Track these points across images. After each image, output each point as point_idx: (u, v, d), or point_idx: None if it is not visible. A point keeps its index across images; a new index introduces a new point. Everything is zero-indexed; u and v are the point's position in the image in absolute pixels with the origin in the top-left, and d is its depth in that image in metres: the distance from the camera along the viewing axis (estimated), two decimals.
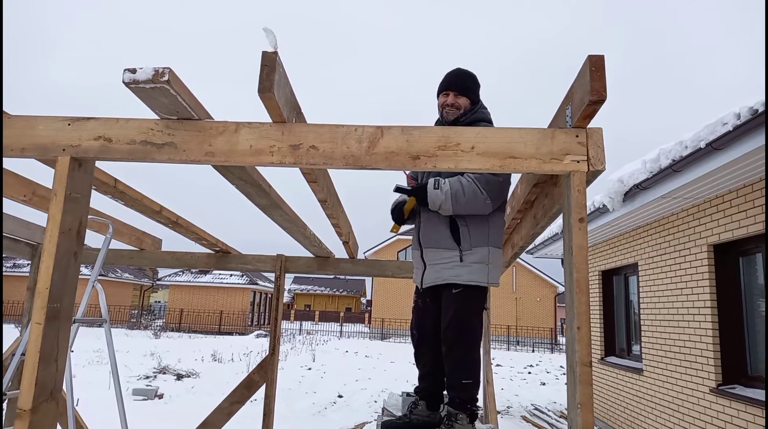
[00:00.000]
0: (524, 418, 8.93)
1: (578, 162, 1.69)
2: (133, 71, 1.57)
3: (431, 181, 2.45)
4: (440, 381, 2.64)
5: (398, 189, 2.59)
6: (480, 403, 2.81)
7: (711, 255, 5.38)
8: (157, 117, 1.81)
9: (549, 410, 9.64)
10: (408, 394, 3.11)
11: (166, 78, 1.55)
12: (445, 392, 2.71)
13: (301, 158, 1.76)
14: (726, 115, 3.88)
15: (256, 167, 2.29)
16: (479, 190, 2.37)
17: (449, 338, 2.46)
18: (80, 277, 1.88)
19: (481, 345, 4.80)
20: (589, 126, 1.72)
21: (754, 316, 5.03)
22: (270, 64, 1.60)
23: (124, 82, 1.56)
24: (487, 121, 2.55)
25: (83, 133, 1.80)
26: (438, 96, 2.64)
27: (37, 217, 4.16)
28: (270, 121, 1.79)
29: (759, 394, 4.63)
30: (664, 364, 6.26)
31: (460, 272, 2.46)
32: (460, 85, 2.58)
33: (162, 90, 1.59)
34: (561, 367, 18.13)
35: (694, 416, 5.52)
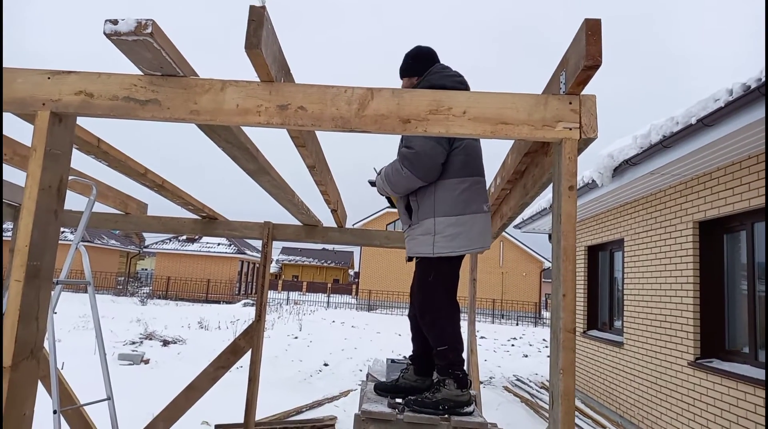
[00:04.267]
0: (506, 388, 9.11)
1: (570, 129, 1.67)
2: (115, 22, 1.50)
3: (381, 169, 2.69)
4: (425, 346, 2.70)
5: (371, 183, 2.87)
6: None
7: (696, 232, 5.44)
8: (140, 73, 1.76)
9: (530, 381, 9.84)
10: (393, 361, 3.14)
11: (149, 30, 1.49)
12: None
13: (288, 119, 1.72)
14: (718, 91, 3.87)
15: (244, 130, 2.24)
16: (399, 166, 2.50)
17: (417, 308, 2.62)
18: (64, 242, 1.85)
19: (468, 315, 4.82)
20: (582, 93, 1.69)
21: (735, 293, 5.12)
22: (257, 19, 1.54)
23: (105, 33, 1.50)
24: (432, 87, 2.40)
25: (63, 88, 1.74)
26: None
27: (17, 176, 4.08)
28: (257, 79, 1.74)
29: (735, 367, 4.75)
30: (645, 338, 6.39)
31: (411, 245, 2.63)
32: (403, 69, 2.74)
33: (145, 43, 1.53)
34: (544, 340, 18.45)
35: (672, 388, 5.66)
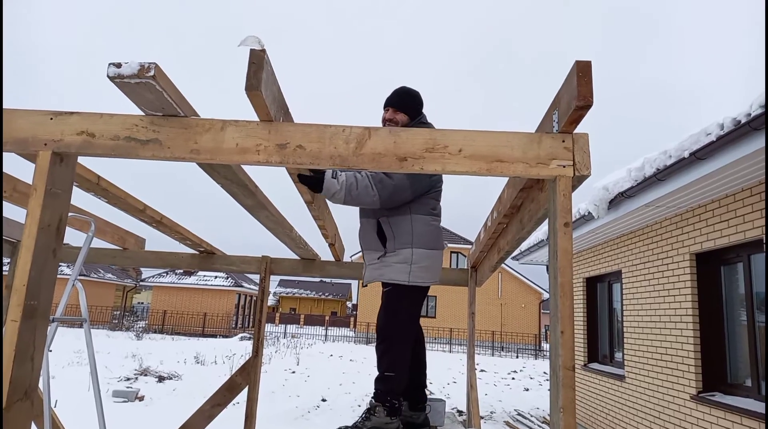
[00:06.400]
0: (507, 423, 8.95)
1: (564, 167, 1.70)
2: (118, 65, 1.54)
3: (329, 171, 2.61)
4: (413, 380, 2.80)
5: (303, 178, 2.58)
6: (463, 408, 2.82)
7: (693, 263, 5.45)
8: (141, 113, 1.79)
9: (532, 416, 9.67)
10: None
11: (152, 73, 1.53)
12: (427, 390, 2.93)
13: (287, 157, 1.75)
14: (709, 125, 3.94)
15: (243, 166, 2.26)
16: (371, 186, 2.53)
17: (378, 331, 2.69)
18: (60, 276, 1.86)
19: (467, 349, 4.78)
20: (575, 131, 1.72)
21: (734, 325, 5.09)
22: (258, 61, 1.58)
23: (108, 76, 1.54)
24: None
25: (65, 128, 1.77)
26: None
27: (16, 213, 4.09)
28: (257, 119, 1.78)
29: (738, 401, 4.69)
30: (646, 371, 6.32)
31: (384, 271, 2.72)
32: (398, 102, 2.82)
33: (147, 85, 1.57)
34: (545, 373, 18.22)
35: (675, 423, 5.57)
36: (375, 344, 2.72)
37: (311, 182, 2.50)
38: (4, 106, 1.82)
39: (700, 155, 4.01)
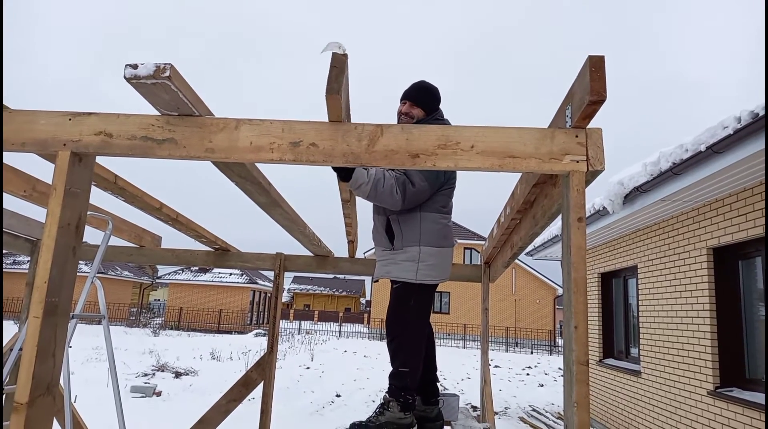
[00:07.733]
0: (522, 419, 8.93)
1: (577, 162, 1.69)
2: (135, 67, 1.57)
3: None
4: (425, 374, 2.82)
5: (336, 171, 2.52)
6: (477, 403, 2.84)
7: (710, 258, 5.38)
8: (157, 113, 1.81)
9: (546, 411, 9.65)
10: None
11: (167, 74, 1.55)
12: (439, 384, 3.00)
13: (300, 155, 1.76)
14: (726, 118, 3.89)
15: (257, 165, 2.29)
16: (396, 188, 2.54)
17: (387, 329, 2.72)
18: (79, 274, 1.89)
19: (480, 345, 4.81)
20: (588, 126, 1.72)
21: (752, 320, 5.03)
22: (339, 65, 1.60)
23: (125, 77, 1.56)
24: None
25: (84, 128, 1.80)
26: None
27: (36, 212, 4.16)
28: (270, 118, 1.80)
29: (756, 397, 4.64)
30: (662, 367, 6.26)
31: (391, 269, 2.75)
32: (415, 96, 2.82)
33: (163, 86, 1.59)
34: (559, 369, 18.12)
35: (692, 418, 5.52)
36: (386, 341, 2.75)
37: (341, 170, 2.47)
38: (22, 108, 1.86)
39: (717, 149, 3.96)
